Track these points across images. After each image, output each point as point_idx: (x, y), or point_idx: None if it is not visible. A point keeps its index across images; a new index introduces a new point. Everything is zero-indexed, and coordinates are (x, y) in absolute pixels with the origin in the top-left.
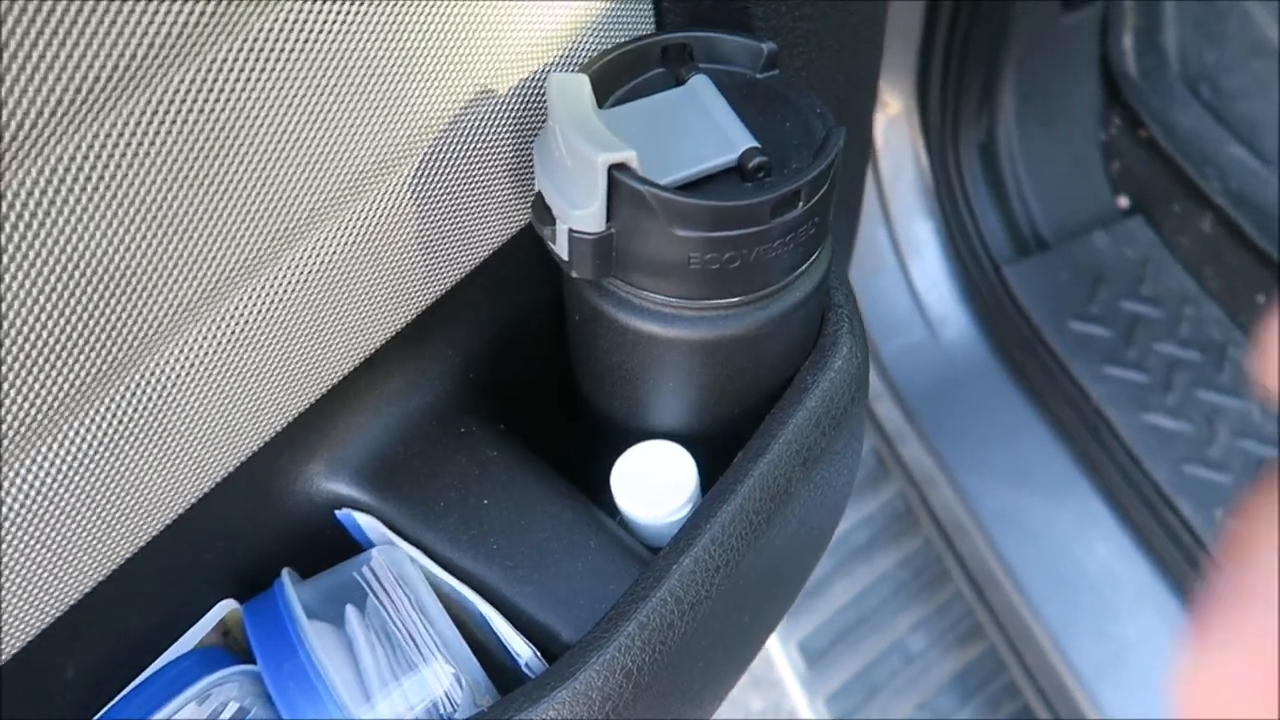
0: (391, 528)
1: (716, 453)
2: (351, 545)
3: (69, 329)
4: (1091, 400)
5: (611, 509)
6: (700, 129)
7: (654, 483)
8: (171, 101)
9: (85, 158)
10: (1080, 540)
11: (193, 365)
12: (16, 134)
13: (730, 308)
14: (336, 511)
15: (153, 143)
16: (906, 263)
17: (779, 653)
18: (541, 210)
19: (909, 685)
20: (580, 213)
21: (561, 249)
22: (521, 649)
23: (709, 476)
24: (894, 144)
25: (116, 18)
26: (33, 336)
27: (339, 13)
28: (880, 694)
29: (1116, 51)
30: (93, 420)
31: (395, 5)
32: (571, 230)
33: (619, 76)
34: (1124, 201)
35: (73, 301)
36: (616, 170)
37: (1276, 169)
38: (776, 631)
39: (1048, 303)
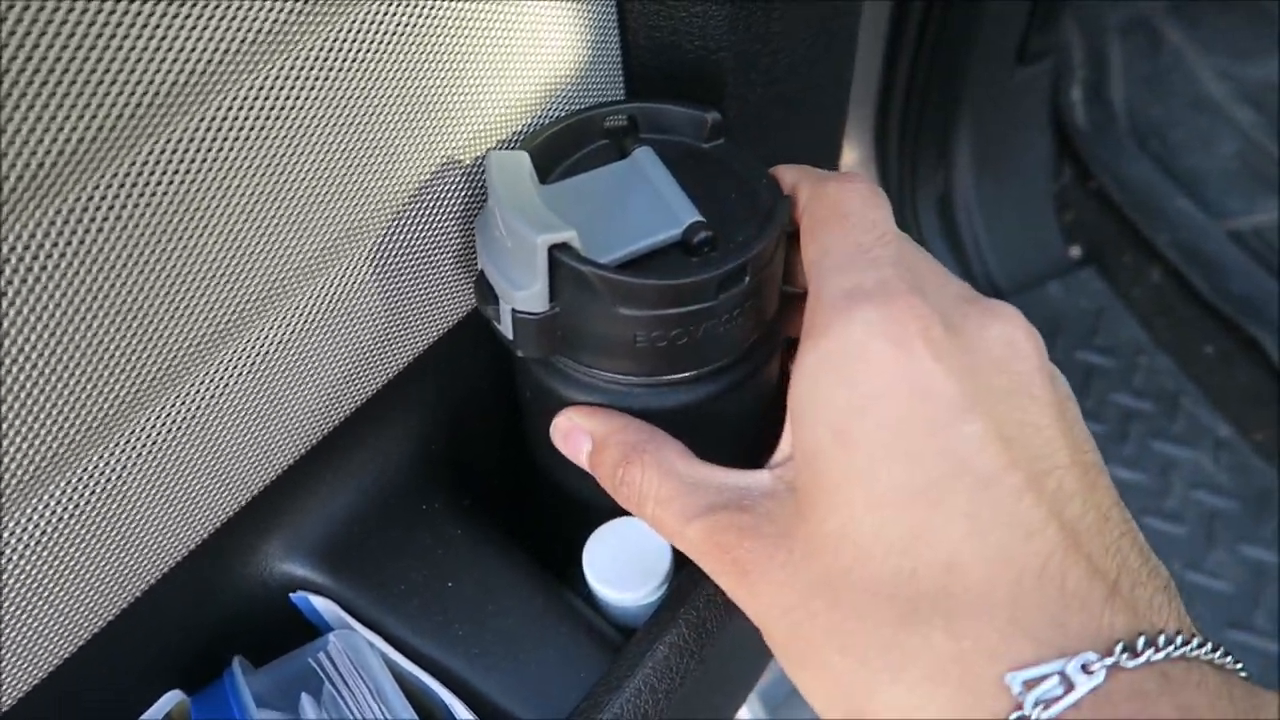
0: (350, 611)
1: None
2: (306, 630)
3: (19, 420)
4: None
5: (576, 583)
6: (644, 203)
7: (628, 564)
8: (131, 179)
9: (27, 247)
10: None
11: (148, 448)
12: None
13: (682, 382)
14: (292, 594)
15: (102, 225)
16: None
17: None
18: (485, 290)
19: None
20: (522, 294)
21: (506, 329)
22: None
23: (678, 552)
24: None
25: (83, 91)
26: None
27: (302, 89)
28: None
29: (1066, 104)
30: (39, 510)
31: (357, 79)
32: (515, 310)
33: (563, 150)
34: (1076, 251)
35: (23, 391)
36: (557, 250)
37: (1221, 223)
38: None
39: None
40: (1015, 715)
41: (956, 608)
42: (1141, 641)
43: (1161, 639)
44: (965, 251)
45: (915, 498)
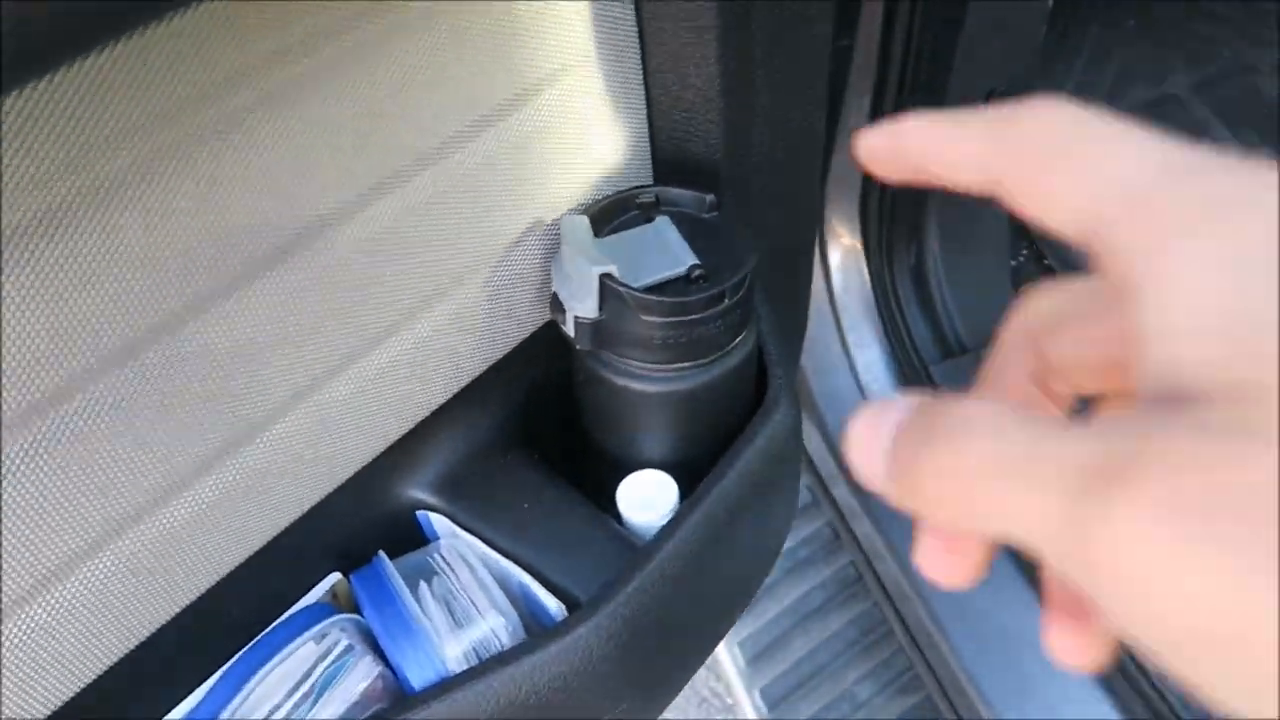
0: (456, 524)
1: (689, 478)
2: (424, 539)
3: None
4: None
5: (611, 510)
6: (661, 251)
7: (647, 498)
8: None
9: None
10: (996, 604)
11: (349, 399)
12: None
13: (684, 369)
14: (416, 512)
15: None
16: (855, 362)
17: (744, 697)
18: (556, 304)
19: None
20: (582, 305)
21: (569, 329)
22: (551, 603)
23: (684, 495)
24: (845, 268)
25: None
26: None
27: (476, 173)
28: None
29: None
30: (278, 440)
31: (498, 178)
32: (576, 317)
33: (611, 216)
34: None
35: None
36: (605, 278)
37: None
38: (744, 679)
39: None
40: None
41: None
42: None
43: None
44: (936, 313)
45: None
